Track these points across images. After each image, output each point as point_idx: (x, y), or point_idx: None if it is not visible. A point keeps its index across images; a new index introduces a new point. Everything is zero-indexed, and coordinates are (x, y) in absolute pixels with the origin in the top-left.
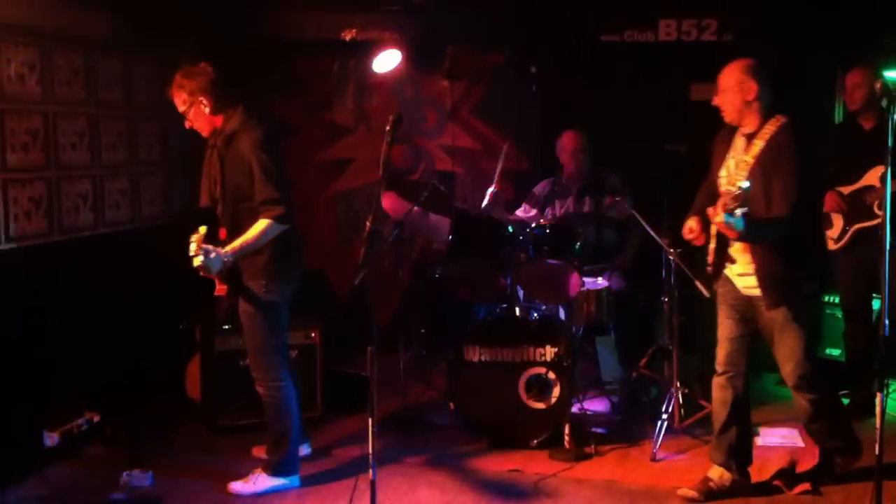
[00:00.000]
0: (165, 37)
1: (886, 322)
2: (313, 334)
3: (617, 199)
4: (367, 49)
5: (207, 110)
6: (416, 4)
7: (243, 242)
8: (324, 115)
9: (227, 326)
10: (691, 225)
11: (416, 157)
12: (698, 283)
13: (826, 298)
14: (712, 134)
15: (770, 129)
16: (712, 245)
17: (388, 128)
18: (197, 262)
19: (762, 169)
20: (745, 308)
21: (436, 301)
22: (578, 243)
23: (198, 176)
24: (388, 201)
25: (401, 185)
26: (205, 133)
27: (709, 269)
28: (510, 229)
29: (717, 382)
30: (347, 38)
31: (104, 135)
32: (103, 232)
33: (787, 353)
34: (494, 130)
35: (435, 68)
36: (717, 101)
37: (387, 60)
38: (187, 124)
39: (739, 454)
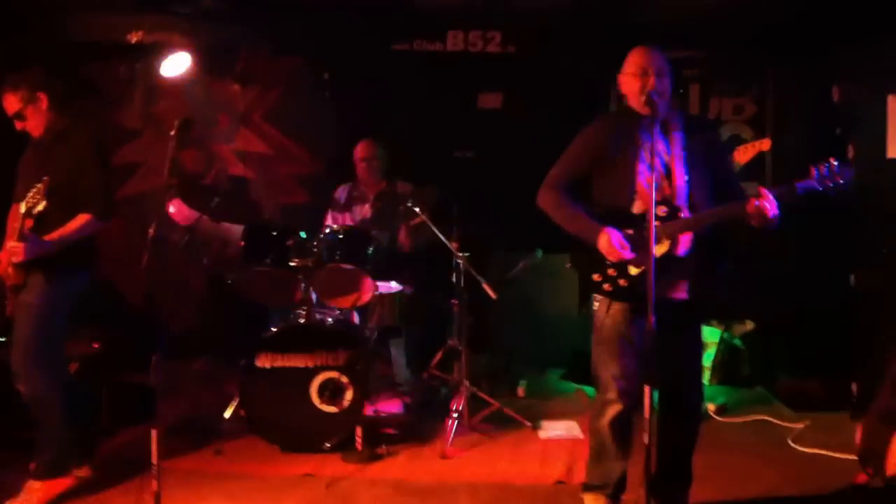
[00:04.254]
0: None
1: (653, 318)
2: (95, 345)
3: (409, 205)
4: (155, 52)
5: (45, 106)
6: (207, 8)
7: (62, 234)
8: (111, 117)
9: (2, 339)
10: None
11: (207, 162)
12: (486, 286)
13: None
14: (499, 141)
15: None
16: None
17: (173, 132)
18: (14, 243)
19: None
20: None
21: (230, 307)
22: (372, 248)
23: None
24: (178, 207)
25: (192, 191)
26: (38, 132)
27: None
28: (303, 235)
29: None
30: (133, 40)
31: None
32: None
33: None
34: (287, 136)
35: (227, 72)
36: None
37: (175, 64)
38: (19, 125)
39: None
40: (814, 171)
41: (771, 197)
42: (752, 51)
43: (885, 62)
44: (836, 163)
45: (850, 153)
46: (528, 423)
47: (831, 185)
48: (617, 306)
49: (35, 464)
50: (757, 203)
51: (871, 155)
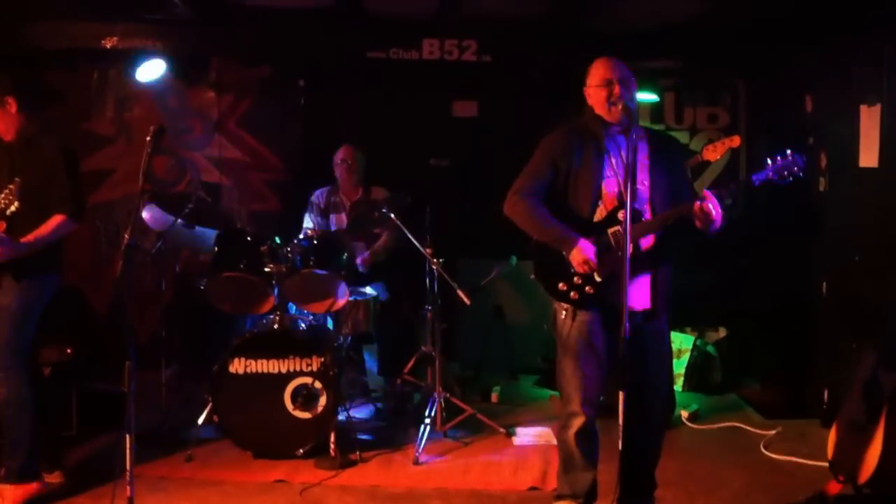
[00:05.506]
0: None
1: (627, 325)
2: (68, 350)
3: (383, 210)
4: (128, 58)
5: (14, 109)
6: (180, 15)
7: (38, 236)
8: (81, 124)
9: None
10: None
11: (180, 169)
12: (460, 293)
13: None
14: (474, 149)
15: None
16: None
17: (148, 138)
18: None
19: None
20: None
21: (201, 314)
22: (346, 254)
23: None
24: (152, 212)
25: (164, 197)
26: (9, 136)
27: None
28: (277, 240)
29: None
30: (108, 45)
31: None
32: None
33: None
34: (261, 142)
35: (200, 79)
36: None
37: (151, 70)
38: None
39: None
40: (769, 163)
41: (713, 197)
42: (725, 61)
43: (858, 73)
44: (789, 152)
45: (823, 162)
46: (502, 430)
47: (787, 173)
48: (581, 316)
49: (4, 468)
50: (699, 203)
51: (844, 164)
